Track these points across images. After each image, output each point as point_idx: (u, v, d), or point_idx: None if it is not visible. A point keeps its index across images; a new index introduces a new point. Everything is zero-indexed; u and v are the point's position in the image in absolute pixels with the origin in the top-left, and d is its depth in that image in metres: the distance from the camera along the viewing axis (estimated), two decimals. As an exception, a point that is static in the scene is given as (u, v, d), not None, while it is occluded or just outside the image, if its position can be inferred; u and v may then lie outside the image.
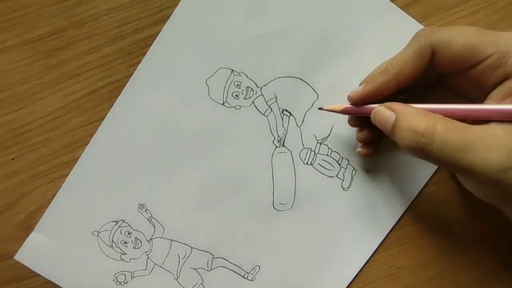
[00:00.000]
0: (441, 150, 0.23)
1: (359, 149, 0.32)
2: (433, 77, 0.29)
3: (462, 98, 0.29)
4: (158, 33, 0.33)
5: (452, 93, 0.30)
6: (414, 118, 0.24)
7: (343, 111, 0.30)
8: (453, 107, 0.26)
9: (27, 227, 0.34)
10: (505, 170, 0.22)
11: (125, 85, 0.33)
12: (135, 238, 0.35)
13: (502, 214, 0.34)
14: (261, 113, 0.34)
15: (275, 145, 0.34)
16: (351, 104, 0.29)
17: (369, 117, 0.28)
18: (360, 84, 0.29)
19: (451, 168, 0.25)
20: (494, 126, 0.24)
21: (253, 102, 0.34)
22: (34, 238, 0.34)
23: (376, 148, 0.32)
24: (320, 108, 0.31)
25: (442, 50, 0.26)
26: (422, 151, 0.24)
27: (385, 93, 0.28)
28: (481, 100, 0.28)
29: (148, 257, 0.35)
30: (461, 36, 0.26)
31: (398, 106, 0.26)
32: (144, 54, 0.33)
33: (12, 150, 0.34)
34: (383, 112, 0.26)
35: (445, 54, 0.26)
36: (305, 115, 0.34)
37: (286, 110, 0.34)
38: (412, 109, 0.25)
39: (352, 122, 0.31)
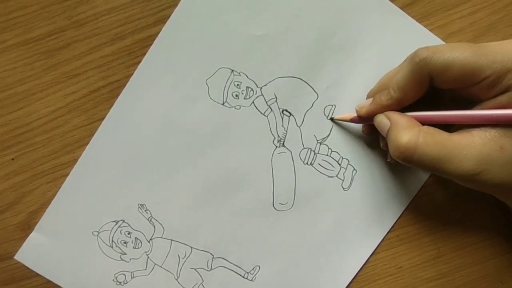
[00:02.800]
0: (421, 161, 0.27)
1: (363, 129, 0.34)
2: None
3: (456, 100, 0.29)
4: (158, 33, 0.33)
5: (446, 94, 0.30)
6: (400, 131, 0.27)
7: (352, 121, 0.33)
8: (442, 113, 0.28)
9: (27, 227, 0.34)
10: (475, 175, 0.26)
11: (125, 85, 0.33)
12: (135, 238, 0.35)
13: (502, 214, 0.34)
14: (261, 113, 0.34)
15: (275, 145, 0.34)
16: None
17: None
18: (367, 98, 0.33)
19: (432, 173, 0.28)
20: (474, 134, 0.26)
21: (253, 102, 0.34)
22: (34, 238, 0.34)
23: None
24: (332, 119, 0.34)
25: (439, 76, 0.27)
26: (405, 161, 0.27)
27: (389, 110, 0.30)
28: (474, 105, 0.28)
29: (148, 257, 0.35)
30: (457, 62, 0.26)
31: (393, 116, 0.29)
32: (144, 54, 0.33)
33: (12, 150, 0.34)
34: (381, 120, 0.30)
35: (443, 80, 0.27)
36: (305, 115, 0.34)
37: (286, 110, 0.34)
38: (402, 120, 0.28)
39: (366, 131, 0.33)
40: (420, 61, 0.27)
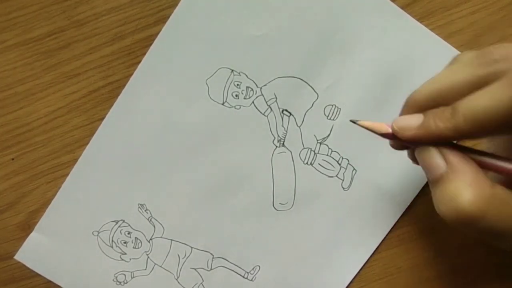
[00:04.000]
0: (482, 232, 0.20)
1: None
2: None
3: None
4: (158, 33, 0.33)
5: None
6: (464, 188, 0.19)
7: (383, 135, 0.23)
8: None
9: (27, 227, 0.34)
10: None
11: (125, 85, 0.33)
12: (135, 238, 0.35)
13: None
14: (261, 113, 0.34)
15: (275, 145, 0.34)
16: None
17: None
18: (408, 106, 0.23)
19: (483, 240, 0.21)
20: None
21: (253, 102, 0.34)
22: (34, 238, 0.34)
23: None
24: (352, 121, 0.26)
25: None
26: (458, 226, 0.20)
27: (444, 140, 0.21)
28: None
29: (148, 257, 0.35)
30: None
31: (453, 157, 0.20)
32: (144, 54, 0.33)
33: (12, 150, 0.34)
34: (432, 156, 0.21)
35: None
36: (305, 115, 0.34)
37: (286, 110, 0.34)
38: (467, 170, 0.20)
39: (396, 147, 0.25)
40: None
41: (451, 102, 0.20)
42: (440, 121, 0.20)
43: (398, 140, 0.23)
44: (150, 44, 0.33)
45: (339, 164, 0.34)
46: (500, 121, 0.18)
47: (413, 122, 0.21)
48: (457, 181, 0.19)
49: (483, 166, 0.20)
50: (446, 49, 0.33)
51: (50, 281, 0.35)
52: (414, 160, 0.24)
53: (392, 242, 0.35)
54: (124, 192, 0.34)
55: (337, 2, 0.33)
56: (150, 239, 0.35)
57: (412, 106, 0.23)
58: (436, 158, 0.21)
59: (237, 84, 0.34)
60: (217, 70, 0.33)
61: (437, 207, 0.20)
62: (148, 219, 0.34)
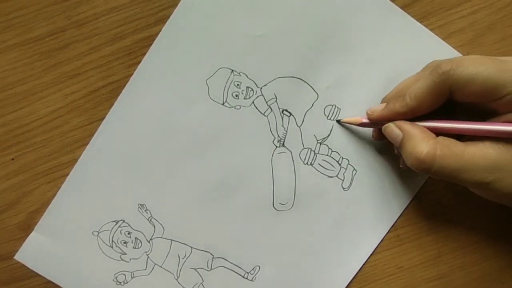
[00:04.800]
0: (439, 172, 0.27)
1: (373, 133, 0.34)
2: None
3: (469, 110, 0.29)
4: (158, 33, 0.33)
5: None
6: (417, 143, 0.27)
7: (360, 125, 0.32)
8: (455, 126, 0.28)
9: (27, 227, 0.34)
10: (488, 183, 0.26)
11: (125, 85, 0.33)
12: (135, 238, 0.35)
13: (502, 214, 0.34)
14: (261, 113, 0.34)
15: (275, 145, 0.34)
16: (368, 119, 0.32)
17: None
18: (381, 103, 0.32)
19: (448, 181, 0.29)
20: (488, 145, 0.27)
21: (253, 102, 0.34)
22: (34, 238, 0.34)
23: None
24: (338, 121, 0.34)
25: (460, 90, 0.27)
26: (423, 172, 0.28)
27: (401, 118, 0.30)
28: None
29: (148, 257, 0.35)
30: (480, 77, 0.26)
31: (405, 126, 0.29)
32: (144, 54, 0.33)
33: (12, 150, 0.34)
34: (392, 130, 0.30)
35: (463, 94, 0.27)
36: (305, 115, 0.34)
37: (286, 110, 0.34)
38: (416, 131, 0.28)
39: (376, 136, 0.33)
40: (443, 74, 0.27)
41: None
42: (396, 102, 0.29)
43: (372, 126, 0.32)
44: (150, 44, 0.33)
45: (339, 164, 0.34)
46: (426, 97, 0.28)
47: (380, 107, 0.31)
48: (412, 140, 0.28)
49: (432, 131, 0.29)
50: (445, 49, 0.33)
51: (50, 281, 0.35)
52: (376, 137, 0.33)
53: (392, 242, 0.35)
54: (124, 192, 0.34)
55: (337, 2, 0.33)
56: (150, 239, 0.35)
57: (385, 101, 0.32)
58: (394, 129, 0.29)
59: (237, 84, 0.34)
60: (217, 70, 0.33)
61: (406, 162, 0.28)
62: (148, 219, 0.34)
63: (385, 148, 0.34)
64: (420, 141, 0.27)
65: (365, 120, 0.32)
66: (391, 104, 0.30)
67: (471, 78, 0.26)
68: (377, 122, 0.31)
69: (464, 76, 0.26)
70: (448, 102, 0.28)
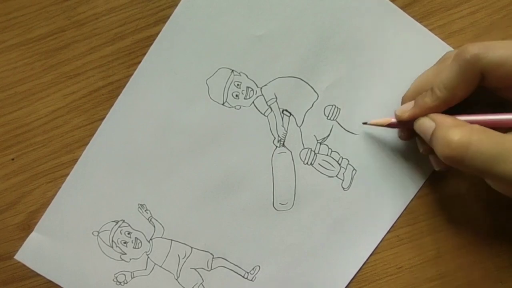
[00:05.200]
0: (474, 160, 0.25)
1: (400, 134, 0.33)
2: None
3: (502, 102, 0.29)
4: (158, 33, 0.33)
5: (492, 95, 0.29)
6: (449, 129, 0.26)
7: (389, 125, 0.31)
8: (490, 117, 0.27)
9: (27, 227, 0.34)
10: None
11: (125, 85, 0.33)
12: (135, 238, 0.35)
13: (502, 214, 0.34)
14: (261, 113, 0.34)
15: (275, 145, 0.34)
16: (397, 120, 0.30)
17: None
18: (403, 102, 0.31)
19: (482, 175, 0.26)
20: None
21: (253, 102, 0.34)
22: (34, 238, 0.34)
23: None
24: (364, 123, 0.32)
25: (492, 73, 0.26)
26: (456, 161, 0.25)
27: (433, 113, 0.28)
28: None
29: (148, 257, 0.35)
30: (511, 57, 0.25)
31: (439, 117, 0.27)
32: (144, 54, 0.33)
33: (12, 150, 0.34)
34: (424, 122, 0.28)
35: (496, 77, 0.26)
36: (305, 115, 0.34)
37: (286, 110, 0.34)
38: (449, 120, 0.27)
39: (404, 136, 0.32)
40: (472, 58, 0.25)
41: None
42: (425, 97, 0.28)
43: (401, 126, 0.31)
44: (150, 44, 0.33)
45: (339, 164, 0.34)
46: (457, 84, 0.27)
47: (408, 106, 0.30)
48: (443, 127, 0.26)
49: None
50: (445, 49, 0.33)
51: (50, 281, 0.35)
52: (404, 137, 0.32)
53: (392, 242, 0.35)
54: (124, 192, 0.34)
55: (337, 3, 0.33)
56: (150, 239, 0.35)
57: (406, 100, 0.31)
58: (426, 121, 0.28)
59: (237, 84, 0.34)
60: (217, 70, 0.33)
61: (437, 153, 0.26)
62: (148, 219, 0.34)
63: (385, 148, 0.34)
64: (453, 126, 0.26)
65: (394, 120, 0.31)
66: (420, 100, 0.29)
67: (504, 60, 0.25)
68: (408, 122, 0.30)
69: (496, 59, 0.25)
70: (471, 98, 0.28)
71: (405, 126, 0.31)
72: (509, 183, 0.25)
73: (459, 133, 0.25)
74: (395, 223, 0.34)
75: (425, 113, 0.28)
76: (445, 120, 0.27)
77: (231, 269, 0.35)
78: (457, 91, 0.27)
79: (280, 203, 0.34)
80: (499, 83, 0.26)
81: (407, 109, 0.29)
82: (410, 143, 0.33)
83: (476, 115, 0.27)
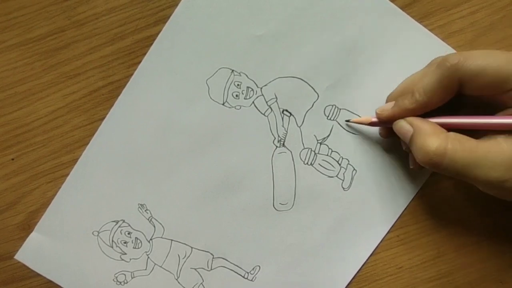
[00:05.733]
0: (450, 167, 0.26)
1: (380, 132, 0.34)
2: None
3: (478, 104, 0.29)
4: (158, 33, 0.33)
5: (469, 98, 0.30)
6: (427, 137, 0.27)
7: (370, 124, 0.32)
8: (466, 121, 0.28)
9: (27, 227, 0.34)
10: (504, 181, 0.25)
11: (125, 85, 0.33)
12: (135, 238, 0.35)
13: (502, 214, 0.34)
14: (261, 113, 0.34)
15: (275, 145, 0.34)
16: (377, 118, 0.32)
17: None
18: (387, 101, 0.32)
19: (460, 179, 0.27)
20: (501, 141, 0.26)
21: (253, 102, 0.34)
22: (34, 238, 0.34)
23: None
24: (347, 121, 0.33)
25: (470, 82, 0.27)
26: (433, 167, 0.27)
27: (411, 115, 0.29)
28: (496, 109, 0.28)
29: (148, 257, 0.35)
30: (490, 69, 0.26)
31: (416, 121, 0.28)
32: (144, 54, 0.33)
33: (12, 150, 0.34)
34: (402, 126, 0.29)
35: (473, 86, 0.27)
36: (305, 115, 0.34)
37: (286, 110, 0.34)
38: (427, 126, 0.28)
39: (384, 134, 0.33)
40: (452, 66, 0.26)
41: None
42: (405, 99, 0.29)
43: (382, 124, 0.32)
44: (150, 44, 0.33)
45: (339, 164, 0.34)
46: (435, 91, 0.28)
47: (389, 106, 0.31)
48: (422, 135, 0.27)
49: (444, 127, 0.28)
50: (445, 49, 0.33)
51: (50, 281, 0.35)
52: (384, 135, 0.33)
53: (392, 242, 0.35)
54: (124, 192, 0.34)
55: (337, 3, 0.33)
56: (150, 239, 0.35)
57: (390, 100, 0.32)
58: (404, 125, 0.29)
59: (238, 84, 0.33)
60: (217, 70, 0.33)
61: (416, 159, 0.28)
62: (148, 219, 0.34)
63: (385, 148, 0.34)
64: (431, 135, 0.27)
65: (375, 119, 0.32)
66: (400, 101, 0.30)
67: (481, 70, 0.26)
68: (387, 121, 0.31)
69: (474, 68, 0.26)
70: (455, 99, 0.28)
71: (386, 125, 0.31)
72: (486, 186, 0.27)
73: (436, 141, 0.26)
74: (395, 223, 0.34)
75: (404, 114, 0.29)
76: (423, 125, 0.28)
77: (231, 269, 0.35)
78: (435, 97, 0.28)
79: (280, 203, 0.34)
80: (478, 91, 0.27)
81: (388, 109, 0.30)
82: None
83: (454, 117, 0.28)
